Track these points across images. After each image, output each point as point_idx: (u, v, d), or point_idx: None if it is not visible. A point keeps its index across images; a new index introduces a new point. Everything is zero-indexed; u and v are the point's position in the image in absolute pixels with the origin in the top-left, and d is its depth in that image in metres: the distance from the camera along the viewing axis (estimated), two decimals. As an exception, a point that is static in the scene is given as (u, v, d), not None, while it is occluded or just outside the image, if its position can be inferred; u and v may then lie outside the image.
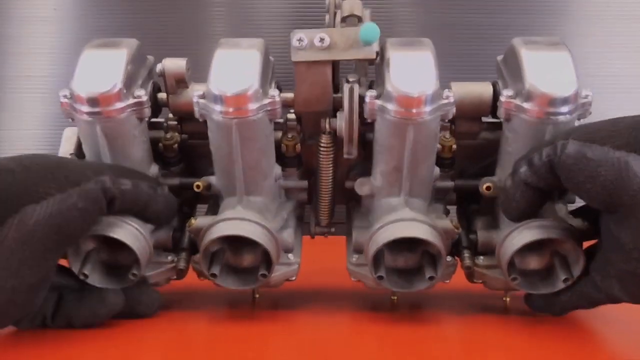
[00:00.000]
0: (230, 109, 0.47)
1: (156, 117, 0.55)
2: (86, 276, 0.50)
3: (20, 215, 0.42)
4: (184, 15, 0.89)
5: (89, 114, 0.47)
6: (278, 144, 0.53)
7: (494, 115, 0.52)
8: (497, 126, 0.52)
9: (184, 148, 0.55)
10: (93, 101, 0.47)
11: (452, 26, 0.89)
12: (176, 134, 0.55)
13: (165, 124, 0.55)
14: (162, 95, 0.54)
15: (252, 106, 0.47)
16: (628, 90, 0.89)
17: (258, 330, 0.50)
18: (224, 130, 0.48)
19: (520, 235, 0.49)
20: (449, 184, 0.55)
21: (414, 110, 0.46)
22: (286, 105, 0.53)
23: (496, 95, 0.51)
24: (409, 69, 0.47)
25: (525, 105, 0.47)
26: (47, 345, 0.46)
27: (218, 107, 0.47)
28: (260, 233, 0.50)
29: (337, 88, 0.52)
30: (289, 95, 0.52)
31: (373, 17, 0.53)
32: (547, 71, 0.47)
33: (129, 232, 0.50)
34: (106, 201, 0.46)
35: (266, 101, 0.48)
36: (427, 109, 0.46)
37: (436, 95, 0.47)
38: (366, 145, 0.52)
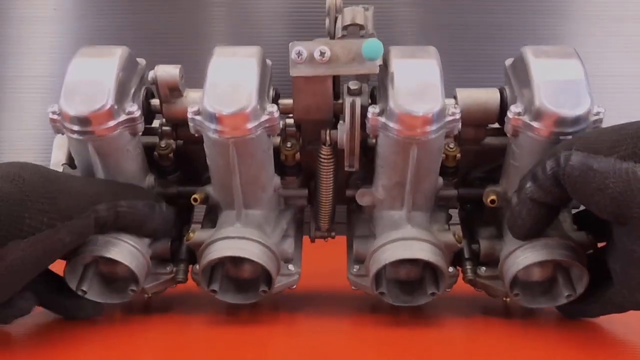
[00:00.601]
0: (227, 129, 0.45)
1: (150, 124, 0.53)
2: (85, 292, 0.49)
3: (2, 251, 0.41)
4: (184, 14, 0.88)
5: (79, 132, 0.46)
6: (277, 151, 0.51)
7: (501, 122, 0.50)
8: (502, 131, 0.50)
9: (180, 153, 0.54)
10: (83, 120, 0.45)
11: (452, 25, 0.87)
12: (171, 141, 0.53)
13: (159, 130, 0.53)
14: (155, 102, 0.52)
15: (250, 125, 0.45)
16: (628, 90, 0.89)
17: (258, 332, 0.50)
18: (221, 147, 0.47)
19: (524, 255, 0.48)
20: (453, 192, 0.53)
21: (418, 130, 0.44)
22: (285, 112, 0.51)
23: (503, 102, 0.50)
24: (413, 86, 0.45)
25: (534, 123, 0.45)
26: (44, 346, 0.46)
27: (214, 126, 0.45)
28: (260, 252, 0.49)
29: (337, 95, 0.51)
30: (288, 102, 0.50)
31: (374, 17, 0.51)
32: (558, 88, 0.45)
33: (126, 251, 0.49)
34: (98, 227, 0.46)
35: (264, 118, 0.46)
36: (432, 127, 0.45)
37: (441, 113, 0.45)
38: (367, 151, 0.51)
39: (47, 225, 0.42)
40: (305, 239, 0.57)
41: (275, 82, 0.52)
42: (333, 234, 0.58)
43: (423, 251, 0.48)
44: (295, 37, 0.47)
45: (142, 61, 0.52)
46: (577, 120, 0.44)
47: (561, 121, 0.44)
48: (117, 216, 0.47)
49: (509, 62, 0.51)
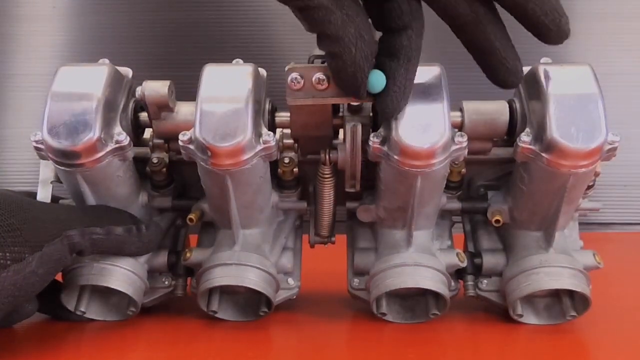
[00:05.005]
0: (221, 161, 0.43)
1: (140, 137, 0.50)
2: (83, 313, 0.49)
3: None
4: (183, 12, 0.85)
5: (66, 165, 0.44)
6: (275, 164, 0.49)
7: (509, 136, 0.48)
8: (510, 142, 0.48)
9: (174, 164, 0.51)
10: (69, 154, 0.43)
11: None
12: (164, 154, 0.50)
13: (150, 143, 0.51)
14: (145, 115, 0.49)
15: (246, 156, 0.43)
16: (628, 88, 0.86)
17: (258, 332, 0.50)
18: (215, 177, 0.45)
19: (527, 281, 0.47)
20: (457, 205, 0.52)
21: (422, 163, 0.42)
22: (282, 126, 0.49)
23: (513, 117, 0.47)
24: (417, 118, 0.42)
25: (545, 155, 0.43)
26: (42, 344, 0.46)
27: (207, 158, 0.43)
28: (259, 279, 0.48)
29: (337, 110, 0.48)
30: (285, 116, 0.48)
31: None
32: (571, 119, 0.42)
33: (122, 277, 0.48)
34: (74, 253, 0.44)
35: (260, 147, 0.44)
36: (437, 159, 0.42)
37: (447, 144, 0.43)
38: (368, 164, 0.49)
39: (12, 260, 0.39)
40: (305, 239, 0.55)
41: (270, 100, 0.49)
42: (333, 239, 0.56)
43: (425, 279, 0.47)
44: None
45: (127, 72, 0.49)
46: (591, 154, 0.42)
47: (575, 155, 0.42)
48: (93, 242, 0.45)
49: None
